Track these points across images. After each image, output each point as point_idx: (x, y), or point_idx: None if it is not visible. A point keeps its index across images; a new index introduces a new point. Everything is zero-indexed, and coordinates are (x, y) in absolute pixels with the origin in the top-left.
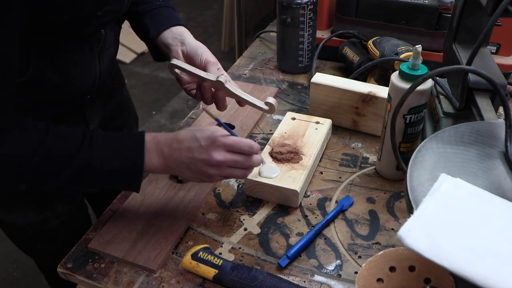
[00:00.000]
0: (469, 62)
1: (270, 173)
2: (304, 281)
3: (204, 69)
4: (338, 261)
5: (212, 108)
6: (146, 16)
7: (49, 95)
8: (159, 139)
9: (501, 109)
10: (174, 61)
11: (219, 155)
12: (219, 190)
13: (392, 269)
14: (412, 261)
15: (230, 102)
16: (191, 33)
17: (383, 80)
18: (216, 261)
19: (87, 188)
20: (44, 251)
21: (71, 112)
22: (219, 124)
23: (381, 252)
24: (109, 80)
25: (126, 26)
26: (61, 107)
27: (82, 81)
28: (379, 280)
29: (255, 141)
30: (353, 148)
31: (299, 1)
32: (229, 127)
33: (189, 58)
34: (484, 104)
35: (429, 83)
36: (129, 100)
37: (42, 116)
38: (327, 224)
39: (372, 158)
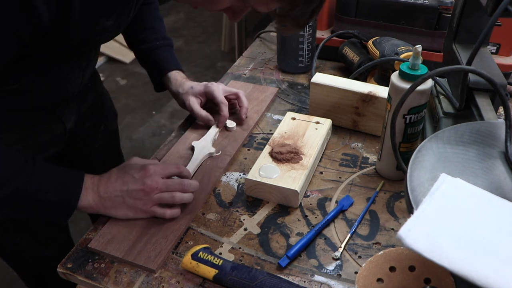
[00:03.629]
0: (469, 62)
1: (270, 173)
2: (304, 281)
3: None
4: (338, 261)
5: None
6: (151, 56)
7: (32, 101)
8: (96, 179)
9: (501, 109)
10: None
11: (152, 181)
12: (219, 190)
13: (392, 269)
14: (412, 261)
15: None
16: (191, 34)
17: (383, 80)
18: (216, 261)
19: (14, 213)
20: (23, 245)
21: (47, 115)
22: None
23: (381, 252)
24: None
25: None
26: (37, 111)
27: (66, 91)
28: (379, 280)
29: (255, 141)
30: (353, 148)
31: None
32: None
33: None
34: (484, 104)
35: (429, 83)
36: (105, 97)
37: (19, 118)
38: (327, 224)
39: (372, 158)
